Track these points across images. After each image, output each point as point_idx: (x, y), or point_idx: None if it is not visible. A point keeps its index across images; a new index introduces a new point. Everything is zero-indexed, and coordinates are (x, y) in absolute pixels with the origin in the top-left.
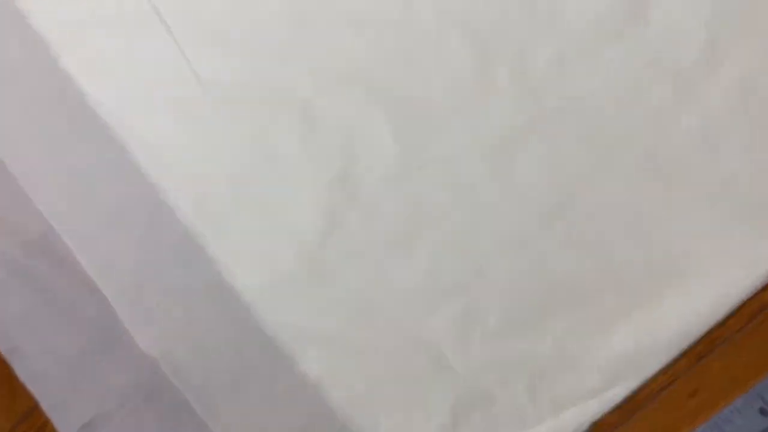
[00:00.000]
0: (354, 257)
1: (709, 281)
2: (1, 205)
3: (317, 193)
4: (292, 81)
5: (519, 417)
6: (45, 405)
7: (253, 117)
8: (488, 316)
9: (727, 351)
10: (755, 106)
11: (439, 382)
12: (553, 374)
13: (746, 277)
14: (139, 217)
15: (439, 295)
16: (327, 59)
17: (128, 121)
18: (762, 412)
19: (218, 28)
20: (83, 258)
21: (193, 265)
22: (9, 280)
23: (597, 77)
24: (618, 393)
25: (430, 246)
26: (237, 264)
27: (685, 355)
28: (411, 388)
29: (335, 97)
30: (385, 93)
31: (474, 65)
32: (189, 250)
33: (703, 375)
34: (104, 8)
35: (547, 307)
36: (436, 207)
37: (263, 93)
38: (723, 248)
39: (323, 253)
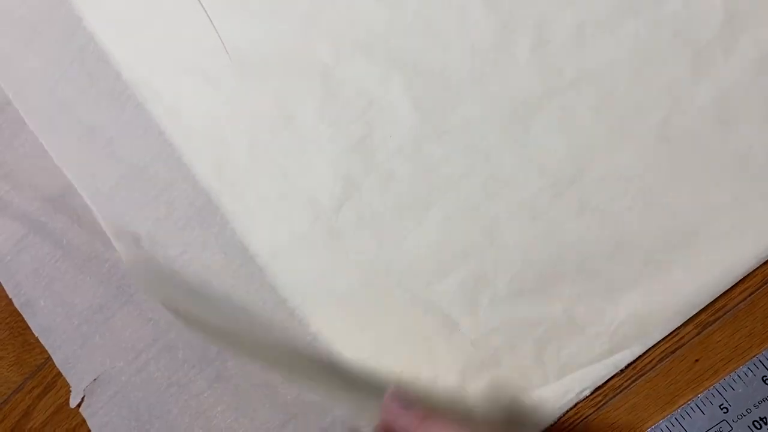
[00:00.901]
0: (368, 222)
1: (717, 252)
2: (20, 162)
3: (335, 159)
4: (313, 48)
5: (525, 379)
6: (57, 359)
7: (273, 83)
8: (498, 281)
9: (731, 321)
10: None
11: (449, 344)
12: (561, 339)
13: (753, 250)
14: (158, 177)
15: (450, 259)
16: (348, 27)
17: (149, 82)
18: (765, 380)
19: None
20: (100, 215)
21: (209, 225)
22: (26, 234)
23: (615, 50)
24: (623, 359)
25: (443, 212)
26: (253, 226)
27: (689, 323)
28: (420, 350)
29: (355, 64)
30: (405, 61)
31: (494, 35)
32: (206, 211)
33: (706, 343)
34: None
35: (556, 273)
36: (450, 174)
37: (284, 60)
38: (733, 221)
39: (338, 217)
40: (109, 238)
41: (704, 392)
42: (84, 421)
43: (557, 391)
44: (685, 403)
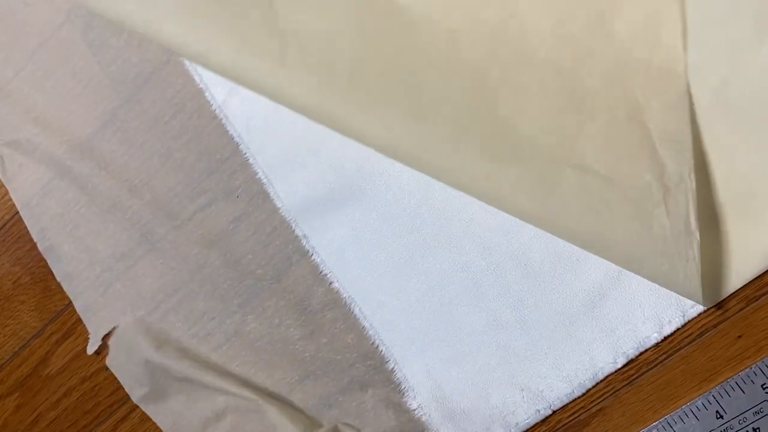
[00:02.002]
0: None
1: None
2: (48, 107)
3: None
4: None
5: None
6: (78, 305)
7: None
8: None
9: None
10: None
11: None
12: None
13: None
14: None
15: None
16: None
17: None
18: None
19: None
20: (129, 160)
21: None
22: (52, 179)
23: None
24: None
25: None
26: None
27: (734, 297)
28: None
29: None
30: None
31: None
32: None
33: (750, 320)
34: None
35: None
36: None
37: None
38: None
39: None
40: (134, 185)
41: (746, 370)
42: (100, 369)
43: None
44: (724, 381)
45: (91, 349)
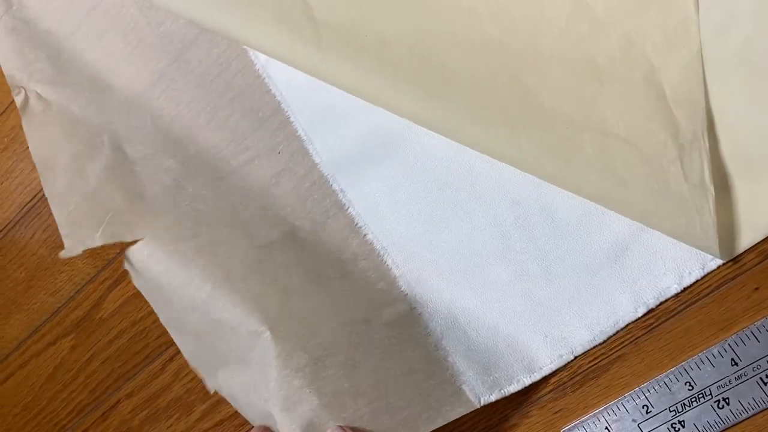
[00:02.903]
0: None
1: None
2: (101, 65)
3: None
4: None
5: None
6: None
7: None
8: None
9: None
10: None
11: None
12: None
13: None
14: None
15: None
16: None
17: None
18: None
19: None
20: (177, 117)
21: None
22: (102, 133)
23: None
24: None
25: None
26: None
27: (752, 250)
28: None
29: None
30: None
31: None
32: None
33: (766, 273)
34: None
35: None
36: None
37: None
38: None
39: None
40: (181, 138)
41: (761, 320)
42: (149, 313)
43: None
44: (740, 330)
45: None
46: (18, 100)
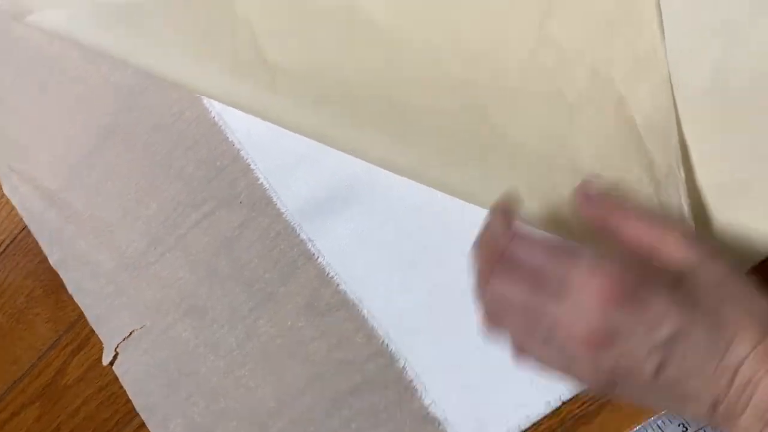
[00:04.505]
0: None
1: None
2: (50, 119)
3: None
4: None
5: None
6: (89, 316)
7: None
8: None
9: None
10: None
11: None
12: None
13: None
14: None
15: None
16: None
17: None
18: None
19: None
20: (133, 169)
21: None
22: (58, 192)
23: None
24: None
25: None
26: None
27: None
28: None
29: None
30: None
31: None
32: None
33: None
34: None
35: None
36: None
37: None
38: None
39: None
40: (140, 195)
41: None
42: (116, 378)
43: None
44: None
45: (105, 360)
46: None
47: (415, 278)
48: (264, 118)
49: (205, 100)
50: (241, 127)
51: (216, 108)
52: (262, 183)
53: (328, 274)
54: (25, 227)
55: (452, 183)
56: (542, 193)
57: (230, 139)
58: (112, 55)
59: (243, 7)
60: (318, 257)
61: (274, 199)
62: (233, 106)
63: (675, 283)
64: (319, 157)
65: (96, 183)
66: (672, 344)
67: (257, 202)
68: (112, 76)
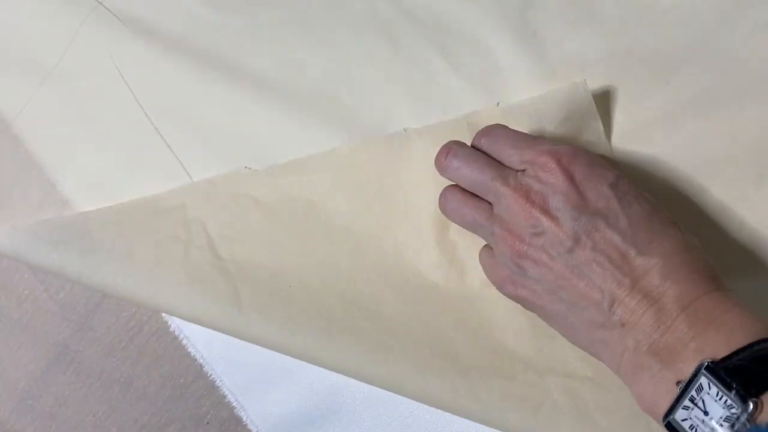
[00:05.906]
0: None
1: None
2: None
3: None
4: None
5: None
6: None
7: None
8: None
9: None
10: None
11: None
12: None
13: None
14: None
15: None
16: None
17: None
18: None
19: None
20: (89, 392)
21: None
22: (7, 421)
23: None
24: None
25: None
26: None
27: None
28: None
29: None
30: None
31: None
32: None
33: None
34: None
35: None
36: None
37: None
38: None
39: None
40: (99, 418)
41: None
42: None
43: None
44: None
45: None
46: None
47: None
48: (229, 333)
49: (164, 314)
50: (203, 340)
51: (176, 321)
52: (229, 401)
53: None
54: None
55: (437, 394)
56: (536, 402)
57: (193, 354)
58: (59, 274)
59: (195, 212)
60: None
61: (244, 419)
62: (193, 322)
63: (616, 179)
64: (290, 372)
65: (51, 410)
66: (597, 227)
67: (225, 423)
68: (62, 293)
